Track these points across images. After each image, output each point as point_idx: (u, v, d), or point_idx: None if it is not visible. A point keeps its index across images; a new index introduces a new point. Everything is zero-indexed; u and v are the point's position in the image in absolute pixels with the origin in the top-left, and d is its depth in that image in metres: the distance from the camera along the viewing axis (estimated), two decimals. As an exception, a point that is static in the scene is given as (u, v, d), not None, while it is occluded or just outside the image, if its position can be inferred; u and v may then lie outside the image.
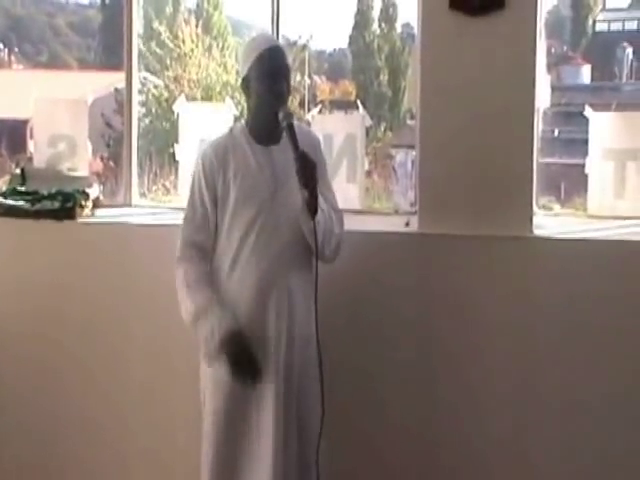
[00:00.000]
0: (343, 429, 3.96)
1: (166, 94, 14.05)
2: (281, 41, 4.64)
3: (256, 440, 3.63)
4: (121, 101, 4.95)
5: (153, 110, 13.69)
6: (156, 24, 15.12)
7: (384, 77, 17.03)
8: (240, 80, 3.74)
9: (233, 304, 3.64)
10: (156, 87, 14.29)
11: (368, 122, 4.64)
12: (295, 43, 13.30)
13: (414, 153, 4.36)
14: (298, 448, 3.65)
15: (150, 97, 13.76)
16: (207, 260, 3.72)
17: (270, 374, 3.60)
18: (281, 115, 3.59)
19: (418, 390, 4.17)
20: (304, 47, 13.53)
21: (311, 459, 3.64)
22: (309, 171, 3.48)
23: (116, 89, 11.44)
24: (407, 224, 4.27)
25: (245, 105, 3.83)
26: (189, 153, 4.68)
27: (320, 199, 3.55)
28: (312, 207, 3.48)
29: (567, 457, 4.07)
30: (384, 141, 13.26)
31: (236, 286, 3.65)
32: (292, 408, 3.63)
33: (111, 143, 11.56)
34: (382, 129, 14.03)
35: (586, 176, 4.44)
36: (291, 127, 3.56)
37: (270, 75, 3.67)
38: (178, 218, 4.48)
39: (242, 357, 3.55)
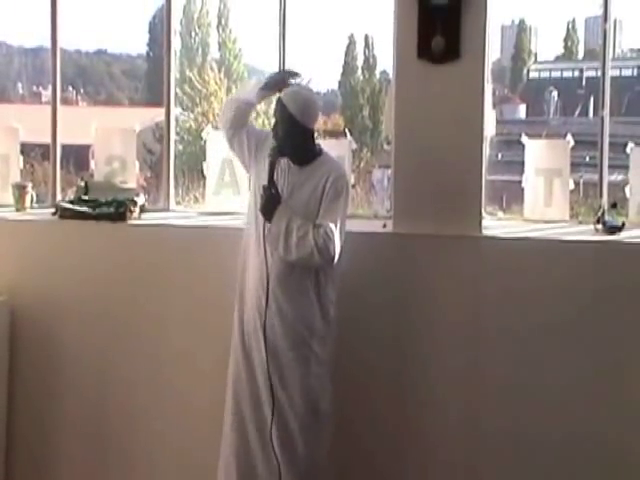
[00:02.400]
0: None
1: (195, 125, 14.03)
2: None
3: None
4: (162, 131, 4.93)
5: (185, 138, 13.66)
6: (188, 71, 15.10)
7: (366, 112, 16.99)
8: None
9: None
10: (186, 121, 14.27)
11: (354, 146, 4.60)
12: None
13: (389, 171, 4.33)
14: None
15: (182, 127, 13.76)
16: None
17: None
18: (269, 152, 3.60)
19: (391, 365, 4.13)
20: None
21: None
22: (265, 200, 3.50)
23: (156, 124, 11.40)
24: (384, 226, 4.24)
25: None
26: (214, 170, 4.66)
27: (298, 221, 3.50)
28: (266, 218, 3.52)
29: (511, 427, 4.01)
30: (366, 160, 13.22)
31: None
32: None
33: (153, 165, 11.54)
34: (364, 152, 14.01)
35: (522, 189, 4.43)
36: (272, 164, 3.53)
37: (274, 117, 3.69)
38: (205, 220, 4.47)
39: None
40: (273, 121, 3.71)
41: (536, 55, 20.04)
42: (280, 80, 3.81)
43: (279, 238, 3.51)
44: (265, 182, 3.58)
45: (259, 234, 3.61)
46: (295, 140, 3.65)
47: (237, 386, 3.73)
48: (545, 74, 19.34)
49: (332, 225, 3.54)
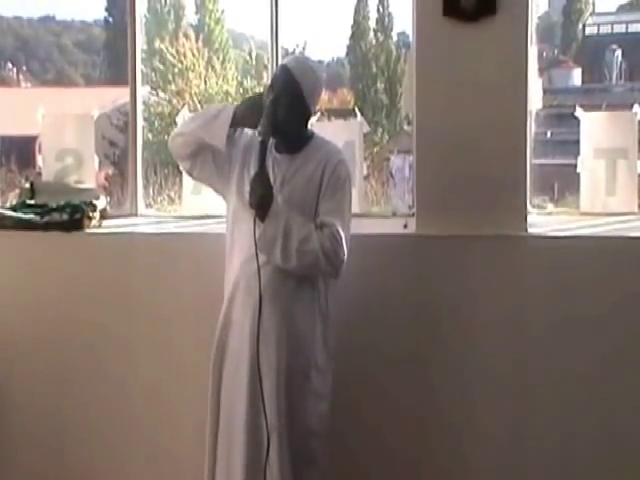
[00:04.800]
0: (343, 420, 3.95)
1: (168, 108, 14.04)
2: (279, 52, 4.64)
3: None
4: (126, 117, 4.95)
5: (156, 124, 13.68)
6: (158, 42, 15.12)
7: (381, 85, 17.01)
8: None
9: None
10: (158, 104, 14.29)
11: (366, 129, 4.62)
12: (293, 53, 13.34)
13: (411, 158, 4.35)
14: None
15: (152, 112, 13.76)
16: None
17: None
18: (259, 130, 3.52)
19: (416, 387, 4.18)
20: (301, 56, 13.55)
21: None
22: (258, 193, 3.45)
23: (119, 108, 11.42)
24: (405, 226, 4.27)
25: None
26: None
27: (298, 219, 3.49)
28: (259, 215, 3.46)
29: (561, 442, 4.08)
30: (381, 145, 13.27)
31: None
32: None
33: (116, 160, 11.59)
34: (379, 135, 14.05)
35: (578, 175, 4.45)
36: (263, 144, 3.50)
37: (270, 88, 3.62)
38: (183, 226, 4.49)
39: None
40: (270, 94, 3.57)
41: (594, 5, 20.03)
42: (253, 106, 3.63)
43: (275, 242, 3.50)
44: (252, 175, 3.55)
45: (244, 240, 3.60)
46: (294, 121, 3.63)
47: (213, 437, 3.75)
48: (605, 29, 19.31)
49: (338, 224, 3.55)
